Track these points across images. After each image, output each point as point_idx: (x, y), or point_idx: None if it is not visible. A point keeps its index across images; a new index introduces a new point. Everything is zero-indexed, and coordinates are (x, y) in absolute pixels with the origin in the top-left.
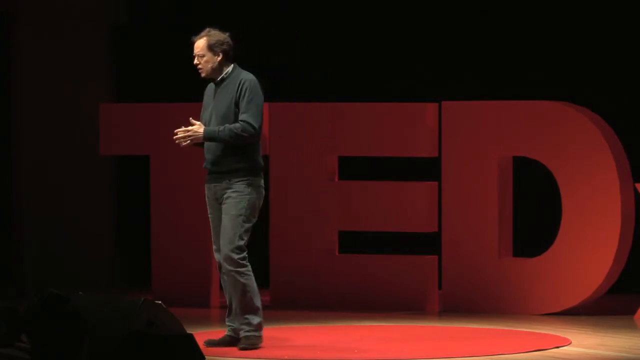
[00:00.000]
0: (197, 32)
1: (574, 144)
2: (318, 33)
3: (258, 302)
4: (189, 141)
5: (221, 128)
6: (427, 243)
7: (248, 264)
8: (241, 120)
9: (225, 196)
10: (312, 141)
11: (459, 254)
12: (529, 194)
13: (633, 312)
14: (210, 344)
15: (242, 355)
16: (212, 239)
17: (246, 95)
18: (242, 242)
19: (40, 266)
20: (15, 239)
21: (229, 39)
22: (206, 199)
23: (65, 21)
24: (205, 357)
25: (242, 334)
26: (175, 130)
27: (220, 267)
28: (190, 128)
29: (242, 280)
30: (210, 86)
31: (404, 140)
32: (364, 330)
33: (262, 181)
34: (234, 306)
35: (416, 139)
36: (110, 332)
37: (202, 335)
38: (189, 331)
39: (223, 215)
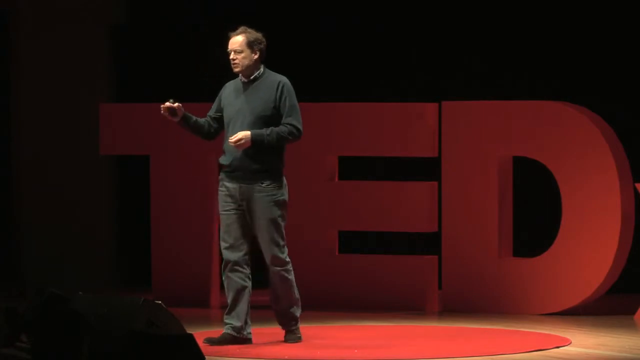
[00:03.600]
0: (195, 32)
1: (574, 144)
2: (318, 33)
3: (298, 295)
4: (243, 143)
5: (268, 132)
6: (427, 243)
7: (290, 260)
8: (287, 124)
9: (255, 198)
10: (312, 141)
11: (459, 254)
12: (529, 194)
13: (633, 312)
14: (211, 342)
15: (242, 355)
16: (222, 236)
17: (287, 98)
18: (284, 242)
19: (40, 266)
20: (15, 239)
21: (264, 40)
22: (223, 196)
23: (65, 21)
24: (205, 357)
25: (286, 328)
26: (231, 140)
27: (226, 265)
28: (239, 133)
29: (289, 276)
30: (232, 85)
31: (404, 140)
32: (364, 330)
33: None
34: (277, 303)
35: (416, 139)
36: (110, 332)
37: (202, 335)
38: (189, 331)
39: (260, 221)
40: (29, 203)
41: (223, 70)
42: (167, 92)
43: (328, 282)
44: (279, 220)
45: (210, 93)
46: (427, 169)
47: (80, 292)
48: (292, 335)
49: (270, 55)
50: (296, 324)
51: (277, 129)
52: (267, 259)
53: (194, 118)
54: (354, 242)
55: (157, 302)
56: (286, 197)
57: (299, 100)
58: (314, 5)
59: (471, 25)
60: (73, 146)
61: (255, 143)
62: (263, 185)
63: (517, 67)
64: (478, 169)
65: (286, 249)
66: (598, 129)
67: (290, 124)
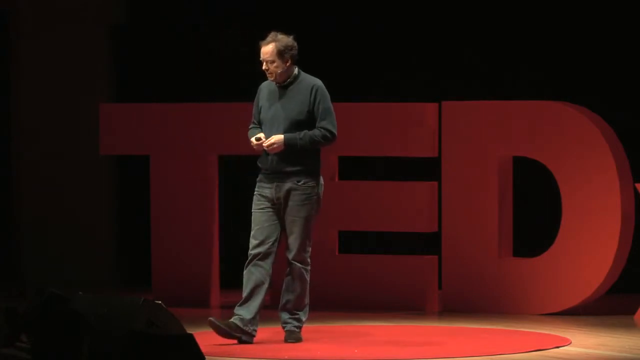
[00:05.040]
0: (195, 32)
1: (574, 144)
2: (317, 33)
3: (308, 300)
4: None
5: (301, 135)
6: (427, 243)
7: (310, 262)
8: (321, 128)
9: (291, 195)
10: None
11: (459, 254)
12: (529, 194)
13: (633, 312)
14: (215, 321)
15: (242, 355)
16: (254, 234)
17: (321, 102)
18: (310, 242)
19: (40, 266)
20: (15, 239)
21: (295, 43)
22: (258, 195)
23: (65, 21)
24: (205, 357)
25: (288, 327)
26: (255, 143)
27: (251, 260)
28: (272, 137)
29: (307, 277)
30: (267, 87)
31: (404, 140)
32: (364, 330)
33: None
34: (287, 301)
35: (416, 139)
36: (110, 331)
37: (202, 335)
38: (189, 331)
39: (292, 217)
40: (29, 203)
41: (223, 70)
42: (167, 92)
43: (328, 282)
44: (311, 219)
45: (210, 93)
46: (427, 169)
47: (80, 292)
48: (292, 335)
49: None
50: (299, 326)
51: (310, 132)
52: (291, 255)
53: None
54: (354, 242)
55: (157, 302)
56: (321, 196)
57: None
58: (314, 5)
59: (471, 25)
60: (73, 146)
61: (288, 147)
62: (299, 183)
63: (517, 67)
64: (478, 169)
65: (310, 250)
66: (598, 129)
67: (324, 128)
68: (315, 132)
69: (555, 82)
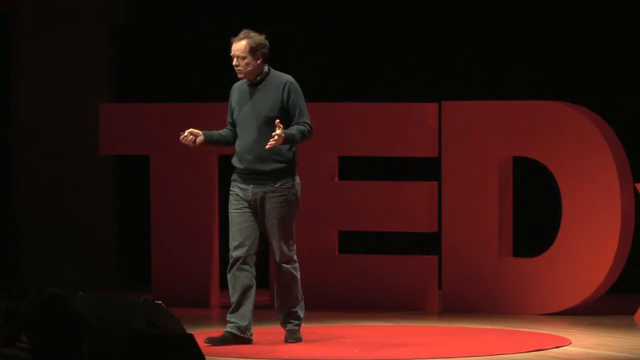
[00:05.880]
0: (195, 32)
1: (574, 144)
2: (317, 33)
3: (302, 296)
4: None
5: (294, 131)
6: (427, 243)
7: (297, 259)
8: (304, 123)
9: (268, 197)
10: (312, 141)
11: (459, 254)
12: (529, 194)
13: (633, 312)
14: (213, 341)
15: (242, 355)
16: (232, 235)
17: (294, 98)
18: (293, 241)
19: (40, 266)
20: (15, 239)
21: (267, 42)
22: (234, 195)
23: (65, 21)
24: (205, 357)
25: (288, 327)
26: (269, 144)
27: (234, 264)
28: (277, 133)
29: (297, 274)
30: (238, 87)
31: (404, 140)
32: (364, 330)
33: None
34: (282, 302)
35: (416, 139)
36: (110, 331)
37: (202, 335)
38: (189, 331)
39: (272, 220)
40: (29, 203)
41: (223, 70)
42: (167, 92)
43: (328, 282)
44: (291, 219)
45: (210, 93)
46: (427, 169)
47: (80, 292)
48: (292, 335)
49: (270, 56)
50: (298, 324)
51: (299, 127)
52: (277, 257)
53: (216, 133)
54: (354, 242)
55: (157, 302)
56: (298, 196)
57: None
58: (314, 5)
59: (471, 25)
60: (73, 146)
61: (287, 142)
62: (276, 185)
63: (517, 67)
64: (478, 169)
65: (295, 248)
66: (598, 129)
67: (306, 123)
68: (301, 127)
69: (555, 82)
